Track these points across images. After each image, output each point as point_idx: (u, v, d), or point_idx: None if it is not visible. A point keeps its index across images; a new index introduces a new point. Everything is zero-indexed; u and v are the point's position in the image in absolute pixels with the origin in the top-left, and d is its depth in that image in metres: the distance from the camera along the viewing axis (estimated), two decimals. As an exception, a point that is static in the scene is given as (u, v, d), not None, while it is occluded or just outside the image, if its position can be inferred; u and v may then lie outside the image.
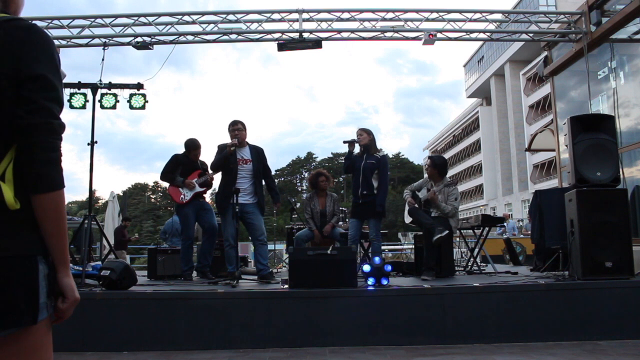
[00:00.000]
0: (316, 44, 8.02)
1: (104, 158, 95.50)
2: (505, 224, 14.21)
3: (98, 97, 6.51)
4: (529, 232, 9.34)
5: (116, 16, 8.16)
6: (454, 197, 5.83)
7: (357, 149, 5.86)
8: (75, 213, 22.73)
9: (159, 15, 8.20)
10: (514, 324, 4.36)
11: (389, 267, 4.84)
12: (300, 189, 65.65)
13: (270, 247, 9.26)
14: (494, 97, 47.57)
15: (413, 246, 7.93)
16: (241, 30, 8.15)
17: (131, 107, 7.53)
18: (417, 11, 8.16)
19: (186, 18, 8.14)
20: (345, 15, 8.17)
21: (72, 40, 8.07)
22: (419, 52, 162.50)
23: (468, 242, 7.99)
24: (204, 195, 6.41)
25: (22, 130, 1.08)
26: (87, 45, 8.13)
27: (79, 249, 6.83)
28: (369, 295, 4.51)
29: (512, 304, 4.43)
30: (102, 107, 6.72)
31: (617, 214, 4.77)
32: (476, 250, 7.00)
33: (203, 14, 8.23)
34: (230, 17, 8.12)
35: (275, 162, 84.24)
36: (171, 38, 8.27)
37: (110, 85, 6.63)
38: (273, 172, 6.41)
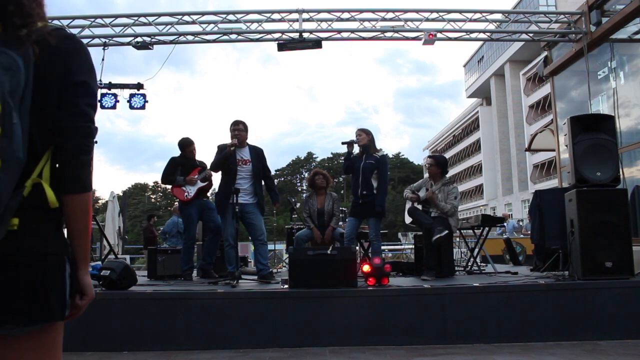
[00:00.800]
0: (316, 44, 8.03)
1: (104, 158, 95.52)
2: (505, 224, 14.21)
3: (98, 97, 6.51)
4: (529, 232, 9.33)
5: (116, 16, 8.17)
6: (453, 195, 5.83)
7: (356, 149, 5.86)
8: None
9: (159, 15, 8.21)
10: (514, 324, 4.36)
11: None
12: (300, 189, 65.62)
13: (270, 247, 9.26)
14: (494, 97, 47.56)
15: (413, 246, 7.92)
16: (241, 30, 8.16)
17: (131, 107, 7.55)
18: (417, 11, 8.17)
19: (186, 18, 8.15)
20: (345, 15, 8.17)
21: (72, 40, 8.06)
22: (419, 52, 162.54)
23: (468, 242, 7.98)
24: (208, 195, 6.43)
25: (62, 133, 1.14)
26: (87, 45, 8.10)
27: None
28: (369, 295, 4.51)
29: (512, 304, 4.43)
30: (102, 107, 6.73)
31: (617, 214, 4.76)
32: (476, 250, 7.00)
33: (203, 14, 8.24)
34: (230, 17, 8.13)
35: (275, 162, 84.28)
36: (171, 38, 8.27)
37: (110, 85, 6.64)
38: (273, 172, 6.43)
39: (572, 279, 4.76)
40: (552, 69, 8.93)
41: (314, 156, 71.34)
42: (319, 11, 8.15)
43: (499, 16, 8.43)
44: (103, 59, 7.91)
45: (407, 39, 8.21)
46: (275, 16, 8.15)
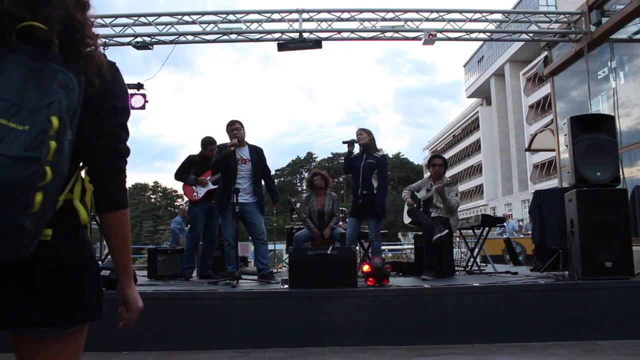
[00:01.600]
0: (316, 44, 8.02)
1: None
2: (505, 224, 14.21)
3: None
4: (529, 232, 9.33)
5: (116, 16, 8.16)
6: (454, 192, 5.89)
7: (356, 148, 5.86)
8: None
9: (159, 15, 8.20)
10: (514, 324, 4.36)
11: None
12: (300, 189, 65.63)
13: (270, 247, 9.25)
14: (494, 97, 47.55)
15: (413, 246, 7.93)
16: (241, 30, 8.15)
17: (131, 107, 7.54)
18: (417, 11, 8.16)
19: (186, 18, 8.14)
20: (345, 15, 8.17)
21: (72, 40, 8.06)
22: (419, 52, 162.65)
23: (468, 242, 7.98)
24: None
25: (93, 153, 1.18)
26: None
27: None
28: (369, 295, 4.51)
29: (512, 304, 4.43)
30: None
31: (617, 214, 4.76)
32: (476, 250, 7.00)
33: (203, 14, 8.24)
34: (230, 17, 8.12)
35: (275, 162, 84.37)
36: (171, 38, 8.27)
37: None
38: (273, 172, 6.42)
39: (572, 279, 4.76)
40: (552, 69, 8.92)
41: (313, 156, 71.46)
42: (319, 11, 8.15)
43: (499, 16, 8.43)
44: (103, 59, 7.88)
45: (407, 39, 8.20)
46: (275, 16, 8.14)
